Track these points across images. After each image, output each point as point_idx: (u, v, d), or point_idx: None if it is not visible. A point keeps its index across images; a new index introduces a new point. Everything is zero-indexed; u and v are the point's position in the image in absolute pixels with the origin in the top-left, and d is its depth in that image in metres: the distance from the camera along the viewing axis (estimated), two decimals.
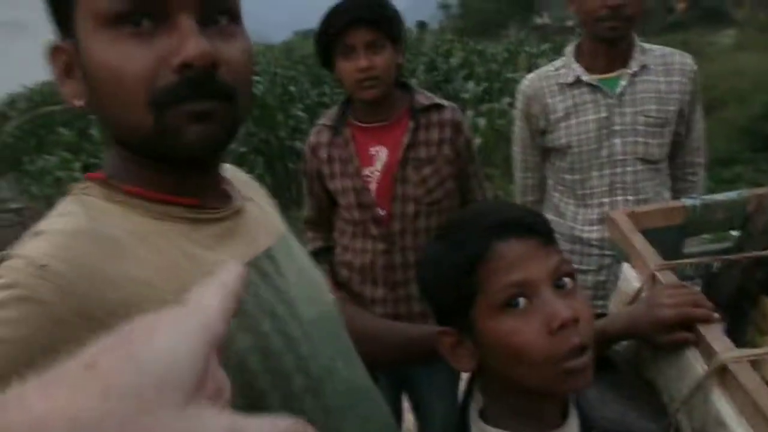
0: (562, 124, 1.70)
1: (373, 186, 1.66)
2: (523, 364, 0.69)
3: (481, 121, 6.54)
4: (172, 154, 0.63)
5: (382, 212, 1.66)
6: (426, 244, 0.82)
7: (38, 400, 0.25)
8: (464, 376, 1.03)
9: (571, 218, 1.75)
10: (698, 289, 1.07)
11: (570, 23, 17.97)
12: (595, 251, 1.72)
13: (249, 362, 0.61)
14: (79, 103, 0.63)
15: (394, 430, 0.83)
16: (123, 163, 0.66)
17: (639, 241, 1.04)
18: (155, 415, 0.26)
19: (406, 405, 1.90)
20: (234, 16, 0.64)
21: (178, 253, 0.62)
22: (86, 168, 8.31)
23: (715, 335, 0.83)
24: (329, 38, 1.58)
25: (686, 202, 1.15)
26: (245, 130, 8.64)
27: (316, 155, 1.73)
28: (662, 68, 1.68)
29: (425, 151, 1.65)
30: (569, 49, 1.77)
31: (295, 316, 0.68)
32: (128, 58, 0.58)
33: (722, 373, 0.79)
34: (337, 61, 1.60)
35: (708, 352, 0.81)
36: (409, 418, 1.98)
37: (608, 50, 1.66)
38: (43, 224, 0.59)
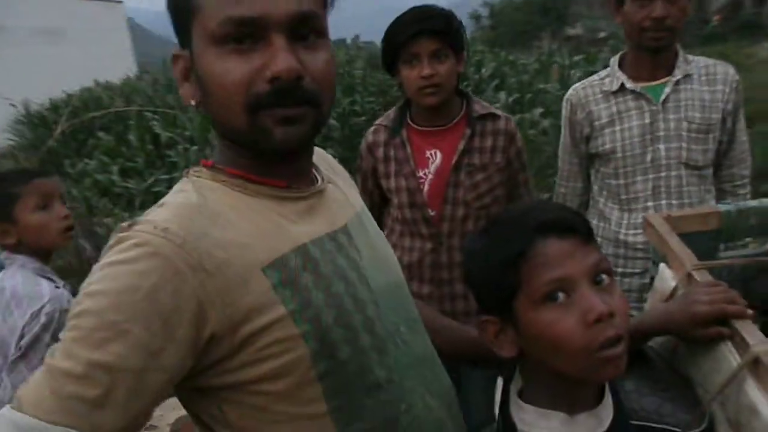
0: (607, 131, 1.76)
1: (425, 187, 1.74)
2: (561, 353, 0.75)
3: None
4: (263, 149, 0.75)
5: (432, 213, 1.73)
6: (470, 238, 0.89)
7: None
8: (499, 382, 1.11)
9: (616, 223, 1.80)
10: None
11: (602, 35, 17.85)
12: (640, 255, 1.76)
13: (323, 316, 0.72)
14: (193, 103, 0.77)
15: (455, 396, 0.90)
16: (227, 151, 0.79)
17: (675, 243, 1.09)
18: None
19: None
20: (319, 32, 0.75)
21: (269, 224, 0.74)
22: (123, 171, 8.56)
23: (749, 330, 0.88)
24: (396, 46, 1.67)
25: (721, 207, 1.20)
26: None
27: (373, 154, 1.82)
28: (705, 77, 1.73)
29: (479, 158, 1.73)
30: (614, 59, 1.84)
31: (364, 283, 0.79)
32: (231, 70, 0.71)
33: (755, 365, 0.84)
34: (401, 67, 1.69)
35: (742, 346, 0.86)
36: None
37: (652, 59, 1.72)
38: (164, 199, 0.74)
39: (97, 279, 0.65)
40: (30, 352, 1.55)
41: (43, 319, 1.55)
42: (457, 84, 1.74)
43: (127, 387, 0.62)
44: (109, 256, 0.67)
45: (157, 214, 0.71)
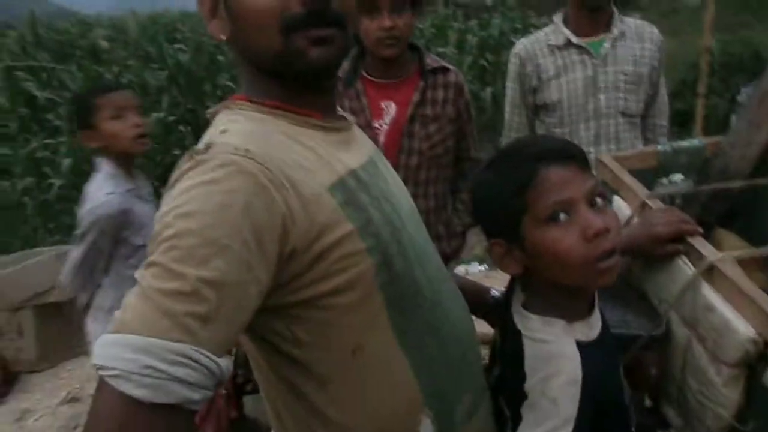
0: (554, 82, 1.91)
1: (381, 138, 1.79)
2: (564, 265, 0.85)
3: None
4: (297, 71, 0.78)
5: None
6: (475, 172, 0.97)
7: None
8: None
9: None
10: None
11: (489, 2, 18.46)
12: None
13: (382, 232, 0.78)
14: (223, 36, 0.78)
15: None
16: (260, 85, 0.81)
17: (628, 177, 1.23)
18: None
19: None
20: None
21: (322, 150, 0.78)
22: None
23: (701, 244, 1.04)
24: None
25: (658, 147, 1.37)
26: (171, 100, 8.38)
27: None
28: (636, 36, 1.92)
29: (431, 110, 1.80)
30: (557, 16, 1.98)
31: (396, 206, 0.85)
32: None
33: (710, 271, 0.99)
34: (359, 18, 1.69)
35: (697, 257, 1.02)
36: None
37: (592, 17, 1.88)
38: (221, 126, 0.75)
39: (186, 200, 0.66)
40: (80, 243, 1.92)
41: (87, 219, 1.89)
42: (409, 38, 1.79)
43: (231, 300, 0.65)
44: (191, 178, 0.68)
45: (228, 137, 0.72)
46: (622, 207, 1.22)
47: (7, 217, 6.07)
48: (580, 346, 0.87)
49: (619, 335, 1.06)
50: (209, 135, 0.76)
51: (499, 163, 0.92)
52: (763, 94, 1.35)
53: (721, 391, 0.96)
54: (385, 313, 0.79)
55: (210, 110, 0.84)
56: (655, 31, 1.97)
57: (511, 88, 2.03)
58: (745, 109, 1.37)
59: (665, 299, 1.09)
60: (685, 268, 1.04)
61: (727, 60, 7.23)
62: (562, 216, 0.84)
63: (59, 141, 6.99)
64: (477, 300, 1.12)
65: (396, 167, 1.79)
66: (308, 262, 0.72)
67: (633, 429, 0.94)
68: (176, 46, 10.46)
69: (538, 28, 2.06)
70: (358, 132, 0.92)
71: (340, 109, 1.02)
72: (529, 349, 0.88)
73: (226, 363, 0.66)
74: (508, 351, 0.93)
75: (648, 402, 1.20)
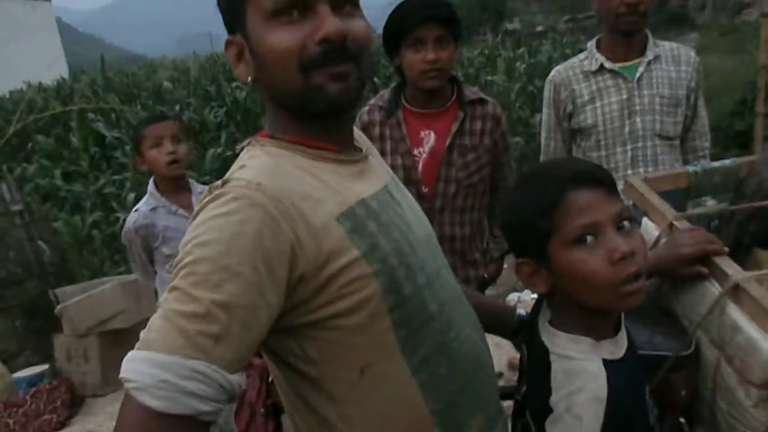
0: (588, 107, 1.94)
1: (419, 166, 1.86)
2: (590, 287, 0.87)
3: None
4: (317, 107, 0.84)
5: (425, 190, 1.85)
6: (505, 193, 1.01)
7: None
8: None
9: None
10: None
11: (539, 28, 18.44)
12: None
13: (389, 257, 0.83)
14: (249, 78, 0.86)
15: (482, 330, 1.02)
16: (281, 121, 0.88)
17: (656, 199, 1.24)
18: None
19: None
20: (354, 3, 0.86)
21: (333, 182, 0.85)
22: (66, 175, 8.30)
23: (727, 263, 1.03)
24: (401, 30, 1.77)
25: (690, 168, 1.37)
26: (229, 135, 8.71)
27: (368, 132, 1.90)
28: (672, 58, 1.93)
29: (470, 140, 1.86)
30: (591, 43, 2.02)
31: (410, 232, 0.90)
32: (285, 38, 0.81)
33: (735, 291, 0.99)
34: (404, 51, 1.79)
35: (723, 276, 1.02)
36: None
37: (626, 42, 1.91)
38: (242, 162, 0.83)
39: (204, 231, 0.73)
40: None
41: (125, 233, 2.30)
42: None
43: (241, 322, 0.70)
44: (210, 210, 0.75)
45: (244, 173, 0.79)
46: (650, 228, 1.22)
47: (77, 250, 6.42)
48: (606, 364, 0.88)
49: (647, 356, 1.06)
50: (231, 170, 0.83)
51: (528, 185, 0.95)
52: None
53: (752, 413, 0.95)
54: (393, 335, 0.83)
55: (239, 146, 0.91)
56: (692, 53, 1.98)
57: (546, 113, 2.06)
58: None
59: (693, 319, 1.08)
60: (712, 288, 1.04)
61: None
62: (589, 238, 0.87)
63: (125, 177, 7.38)
64: (502, 320, 1.15)
65: (434, 195, 1.86)
66: (317, 287, 0.77)
67: None
68: (234, 84, 10.94)
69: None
70: (374, 161, 0.98)
71: (366, 139, 1.08)
72: (555, 364, 0.90)
73: (237, 379, 0.72)
74: (535, 367, 0.96)
75: (684, 424, 1.18)
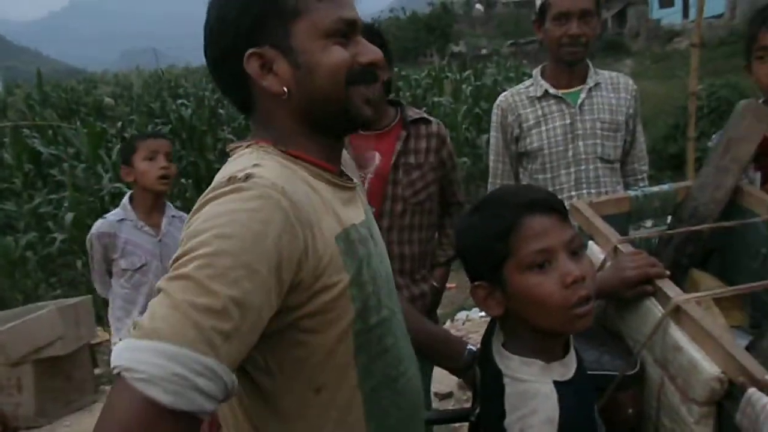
0: (534, 131, 2.01)
1: (366, 185, 1.87)
2: (543, 310, 0.90)
3: None
4: (350, 117, 0.90)
5: (372, 209, 1.86)
6: (462, 216, 1.03)
7: None
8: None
9: None
10: None
11: (484, 51, 18.97)
12: None
13: (367, 285, 0.86)
14: (285, 89, 0.87)
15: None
16: (288, 135, 0.90)
17: (600, 223, 1.29)
18: None
19: None
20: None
21: (331, 203, 0.87)
22: None
23: (668, 286, 1.08)
24: None
25: (630, 193, 1.43)
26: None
27: None
28: (611, 86, 2.03)
29: (414, 158, 1.90)
30: (536, 70, 2.10)
31: (379, 267, 0.93)
32: (339, 54, 0.87)
33: (676, 313, 1.04)
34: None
35: (664, 299, 1.06)
36: None
37: (569, 70, 1.99)
38: (253, 161, 0.82)
39: (226, 222, 0.71)
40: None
41: (88, 238, 2.35)
42: (387, 93, 1.90)
43: (251, 321, 0.70)
44: (231, 203, 0.74)
45: (264, 172, 0.79)
46: (595, 251, 1.27)
47: (9, 272, 6.11)
48: (557, 385, 0.91)
49: (595, 376, 1.09)
50: (240, 166, 0.81)
51: (484, 210, 0.97)
52: (728, 141, 1.42)
53: (694, 430, 0.99)
54: (353, 359, 0.85)
55: (233, 144, 0.91)
56: (630, 81, 2.08)
57: (494, 137, 2.12)
58: (712, 155, 1.44)
59: (638, 340, 1.13)
60: (655, 309, 1.08)
61: (716, 104, 7.40)
62: (543, 263, 0.90)
63: (62, 195, 7.11)
64: (452, 353, 1.18)
65: (381, 214, 1.87)
66: (305, 298, 0.79)
67: None
68: (179, 101, 10.74)
69: (530, 76, 2.17)
70: (360, 193, 1.01)
71: (354, 168, 1.10)
72: (509, 387, 0.92)
73: (234, 378, 0.71)
74: (489, 389, 0.97)
75: None
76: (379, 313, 0.89)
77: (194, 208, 0.78)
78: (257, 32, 0.86)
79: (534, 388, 0.91)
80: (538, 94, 2.02)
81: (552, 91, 2.00)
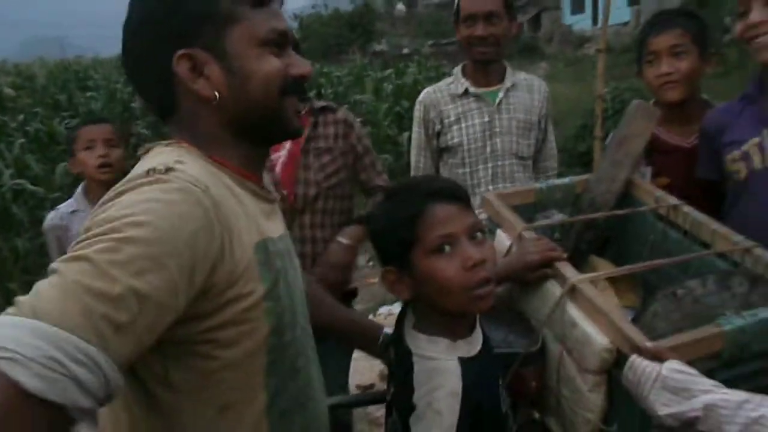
0: (455, 127, 2.09)
1: (278, 169, 1.90)
2: (446, 292, 0.96)
3: None
4: (279, 129, 0.92)
5: (284, 192, 1.89)
6: (375, 204, 1.08)
7: None
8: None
9: None
10: None
11: (405, 51, 19.23)
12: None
13: (283, 299, 0.87)
14: (217, 93, 0.85)
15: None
16: (213, 140, 0.88)
17: (507, 212, 1.38)
18: None
19: None
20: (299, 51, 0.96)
21: (252, 212, 0.86)
22: None
23: (567, 268, 1.18)
24: None
25: (536, 185, 1.53)
26: None
27: None
28: (526, 87, 2.15)
29: (324, 142, 1.95)
30: (457, 69, 2.19)
31: (295, 284, 0.94)
32: (273, 63, 0.87)
33: (573, 292, 1.13)
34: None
35: (563, 279, 1.16)
36: None
37: (485, 70, 2.10)
38: (174, 158, 0.80)
39: (142, 211, 0.68)
40: None
41: (43, 229, 2.25)
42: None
43: (149, 319, 0.65)
44: (149, 192, 0.71)
45: (187, 168, 0.77)
46: (503, 239, 1.35)
47: None
48: (462, 361, 0.97)
49: (502, 353, 1.17)
50: (160, 160, 0.78)
51: (394, 197, 1.03)
52: (621, 137, 1.55)
53: (588, 397, 1.09)
54: (263, 378, 0.84)
55: (148, 145, 0.88)
56: (543, 84, 2.22)
57: (416, 132, 2.19)
58: (608, 150, 1.57)
59: (540, 319, 1.22)
60: (554, 290, 1.18)
61: (620, 106, 7.87)
62: (446, 248, 0.96)
63: None
64: (370, 336, 1.22)
65: (295, 197, 1.90)
66: (216, 305, 0.76)
67: None
68: (88, 93, 10.23)
69: (450, 76, 2.26)
70: (278, 209, 1.00)
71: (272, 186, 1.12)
72: (417, 365, 0.98)
73: (120, 378, 0.64)
74: (400, 368, 1.02)
75: (537, 415, 1.31)
76: (293, 330, 0.89)
77: (104, 198, 0.74)
78: (187, 33, 0.84)
79: (440, 365, 0.97)
80: (459, 91, 2.11)
81: (472, 89, 2.10)
